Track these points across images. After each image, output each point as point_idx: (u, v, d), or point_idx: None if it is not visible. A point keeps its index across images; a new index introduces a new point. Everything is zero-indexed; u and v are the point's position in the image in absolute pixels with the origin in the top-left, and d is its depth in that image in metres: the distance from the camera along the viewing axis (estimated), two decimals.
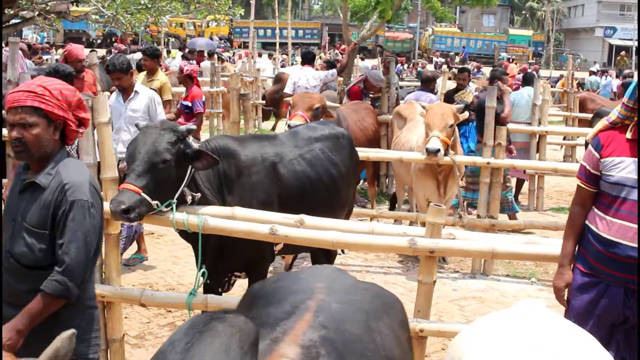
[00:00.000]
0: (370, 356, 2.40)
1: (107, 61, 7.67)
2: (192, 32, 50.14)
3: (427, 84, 10.54)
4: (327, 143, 5.58)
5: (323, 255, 6.20)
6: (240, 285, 5.53)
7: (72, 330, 2.03)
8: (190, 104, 9.46)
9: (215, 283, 5.12)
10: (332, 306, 2.54)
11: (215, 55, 20.66)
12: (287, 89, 10.42)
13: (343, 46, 38.77)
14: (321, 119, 6.99)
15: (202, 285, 4.78)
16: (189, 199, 4.60)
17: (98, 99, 4.79)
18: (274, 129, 16.98)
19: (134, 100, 7.61)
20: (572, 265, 4.01)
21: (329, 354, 2.27)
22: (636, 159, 3.72)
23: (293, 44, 29.65)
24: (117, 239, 4.85)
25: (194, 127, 4.84)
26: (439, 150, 7.05)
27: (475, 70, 26.24)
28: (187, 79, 9.62)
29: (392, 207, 9.61)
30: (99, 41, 45.55)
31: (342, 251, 7.16)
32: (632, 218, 3.67)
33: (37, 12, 21.96)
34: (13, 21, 22.30)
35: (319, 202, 5.25)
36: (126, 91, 7.66)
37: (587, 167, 3.92)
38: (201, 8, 25.84)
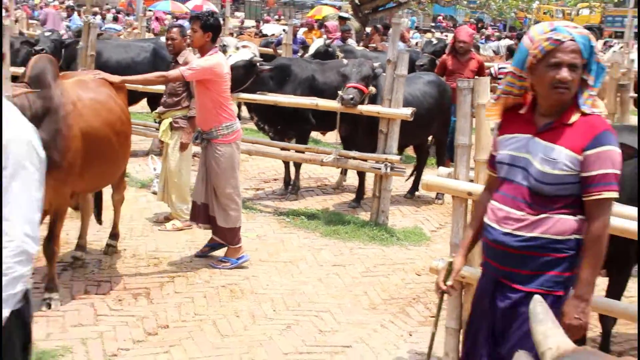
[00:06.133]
0: None
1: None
2: (560, 19, 48.73)
3: None
4: None
5: None
6: None
7: None
8: None
9: None
10: None
11: None
12: None
13: None
14: None
15: None
16: None
17: (479, 80, 4.79)
18: None
19: None
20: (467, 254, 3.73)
21: None
22: (526, 136, 3.24)
23: None
24: None
25: None
26: None
27: None
28: None
29: None
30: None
31: None
32: (501, 198, 3.29)
33: None
34: (388, 5, 23.63)
35: None
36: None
37: (492, 148, 3.55)
38: None
